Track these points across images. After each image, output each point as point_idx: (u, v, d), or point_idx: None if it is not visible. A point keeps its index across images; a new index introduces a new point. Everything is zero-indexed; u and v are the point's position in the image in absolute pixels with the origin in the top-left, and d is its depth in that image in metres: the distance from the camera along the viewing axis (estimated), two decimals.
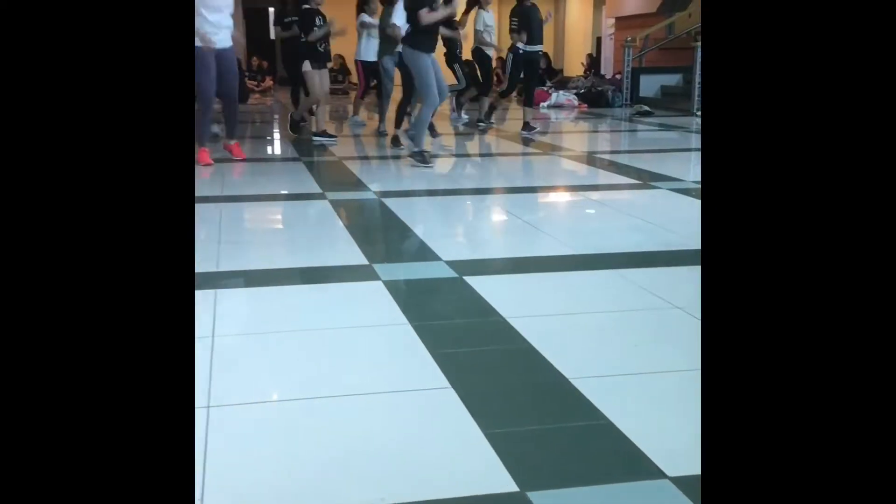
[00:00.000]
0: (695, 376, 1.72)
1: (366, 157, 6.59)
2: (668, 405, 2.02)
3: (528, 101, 8.54)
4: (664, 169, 6.10)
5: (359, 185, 5.50)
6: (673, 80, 12.75)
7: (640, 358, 2.34)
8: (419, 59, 5.98)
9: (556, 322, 2.68)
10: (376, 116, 8.93)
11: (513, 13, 8.16)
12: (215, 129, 7.03)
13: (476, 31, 8.74)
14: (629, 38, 12.69)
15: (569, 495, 1.62)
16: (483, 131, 8.80)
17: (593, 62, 16.88)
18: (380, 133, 8.25)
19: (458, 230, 4.45)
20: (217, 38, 5.91)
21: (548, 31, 17.12)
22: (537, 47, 8.20)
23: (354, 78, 15.21)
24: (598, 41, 17.76)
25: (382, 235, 4.25)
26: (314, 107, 7.81)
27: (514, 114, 9.86)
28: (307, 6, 7.46)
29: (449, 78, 7.99)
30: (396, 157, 6.71)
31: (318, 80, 7.47)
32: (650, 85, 12.74)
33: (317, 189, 5.37)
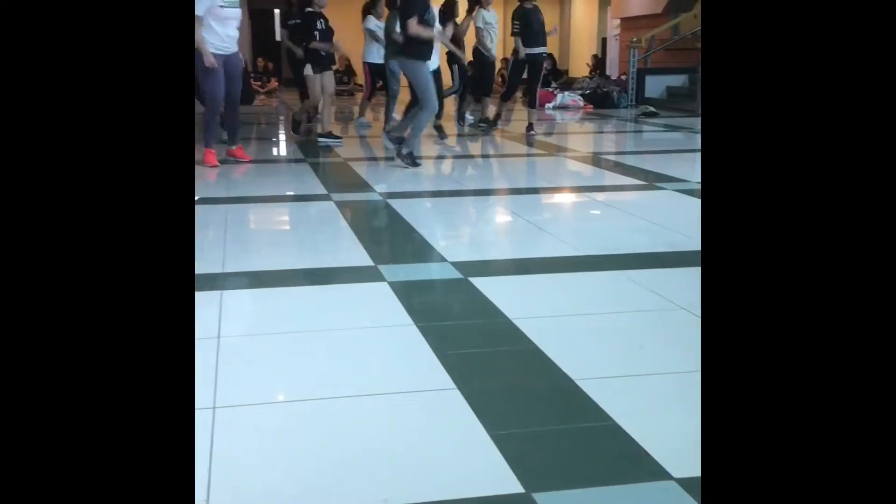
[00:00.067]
0: (700, 377, 1.72)
1: (371, 159, 6.59)
2: (673, 406, 2.02)
3: (532, 102, 8.53)
4: (669, 170, 6.09)
5: (364, 186, 5.51)
6: (678, 80, 12.73)
7: (645, 359, 2.34)
8: (416, 68, 6.02)
9: (562, 323, 2.68)
10: (382, 118, 8.93)
11: (514, 16, 8.14)
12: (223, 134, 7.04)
13: (476, 29, 8.74)
14: (634, 39, 12.68)
15: (574, 496, 1.62)
16: (485, 132, 8.80)
17: (598, 63, 16.87)
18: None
19: (463, 231, 4.45)
20: (223, 46, 5.95)
21: None
22: (539, 49, 8.18)
23: (360, 79, 15.26)
24: (604, 42, 17.74)
25: (388, 237, 4.26)
26: (321, 109, 7.83)
27: (519, 115, 9.86)
28: (309, 9, 7.48)
29: (446, 80, 8.02)
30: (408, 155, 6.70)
31: (319, 83, 7.51)
32: (655, 86, 12.72)
33: (322, 190, 5.37)
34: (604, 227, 4.34)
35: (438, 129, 7.84)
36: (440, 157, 7.29)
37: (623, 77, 13.48)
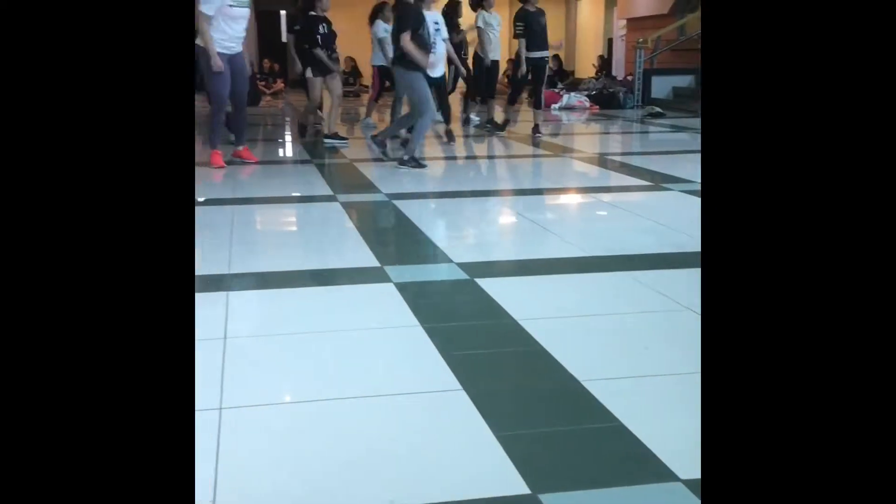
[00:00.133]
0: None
1: (377, 160, 6.59)
2: (679, 407, 2.01)
3: (537, 103, 8.51)
4: (676, 170, 6.08)
5: (370, 187, 5.51)
6: (685, 81, 12.71)
7: (651, 360, 2.34)
8: (412, 79, 6.10)
9: (568, 324, 2.68)
10: (388, 119, 8.94)
11: (517, 17, 8.13)
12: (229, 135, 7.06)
13: (477, 29, 8.74)
14: (641, 40, 12.66)
15: (580, 497, 1.62)
16: (490, 132, 8.80)
17: (605, 64, 16.85)
18: (394, 136, 8.26)
19: (468, 232, 4.45)
20: (229, 45, 5.96)
21: (559, 32, 17.13)
22: (542, 53, 8.16)
23: (365, 80, 15.30)
24: (610, 42, 17.72)
25: (394, 237, 4.26)
26: (328, 110, 7.88)
27: (525, 115, 9.85)
28: (313, 13, 7.51)
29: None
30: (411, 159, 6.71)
31: (319, 87, 7.59)
32: (662, 86, 12.70)
33: (328, 191, 5.38)
34: (610, 228, 4.33)
35: (448, 133, 7.84)
36: (446, 159, 7.29)
37: (629, 78, 13.45)
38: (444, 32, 7.33)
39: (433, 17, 7.12)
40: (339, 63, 7.83)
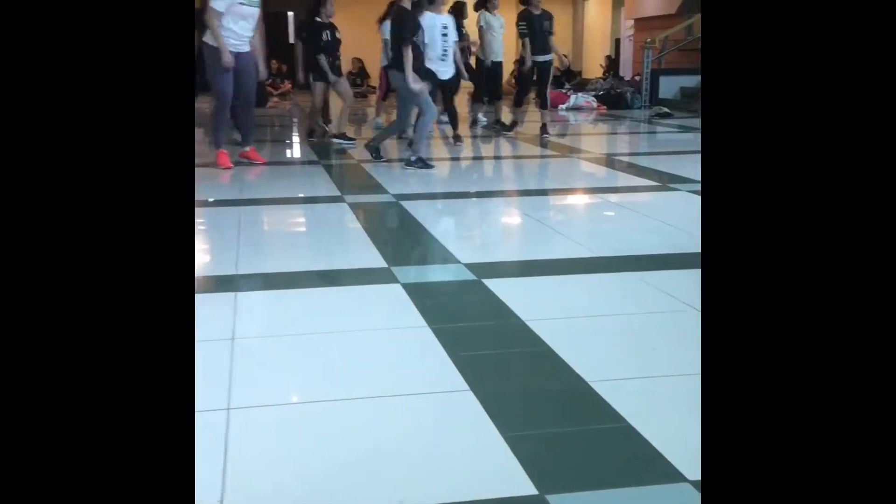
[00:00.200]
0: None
1: (385, 160, 6.60)
2: (687, 408, 2.01)
3: (543, 104, 8.49)
4: (683, 171, 6.06)
5: (377, 188, 5.52)
6: (692, 81, 12.68)
7: (658, 360, 2.33)
8: (405, 81, 6.11)
9: (575, 324, 2.68)
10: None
11: (519, 17, 8.11)
12: (236, 135, 7.08)
13: (479, 29, 8.73)
14: (648, 40, 12.65)
15: (587, 498, 1.62)
16: (498, 133, 8.80)
17: (612, 64, 16.84)
18: (400, 136, 8.27)
19: (476, 233, 4.45)
20: (236, 44, 5.97)
21: (566, 33, 17.12)
22: (545, 56, 8.14)
23: (373, 81, 15.31)
24: (617, 43, 17.71)
25: (401, 238, 4.26)
26: (339, 111, 7.96)
27: (532, 116, 9.85)
28: (318, 19, 7.55)
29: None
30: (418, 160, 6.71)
31: (321, 91, 7.77)
32: (669, 86, 12.67)
33: (335, 192, 5.39)
34: (617, 229, 4.33)
35: (457, 137, 7.84)
36: (453, 159, 7.29)
37: (637, 78, 13.44)
38: (455, 35, 7.34)
39: (442, 19, 7.13)
40: (339, 71, 7.88)
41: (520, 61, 8.39)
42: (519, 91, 8.73)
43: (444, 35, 7.11)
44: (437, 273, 3.42)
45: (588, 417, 1.97)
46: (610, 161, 7.26)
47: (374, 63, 9.03)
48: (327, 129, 8.43)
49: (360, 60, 16.34)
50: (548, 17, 8.05)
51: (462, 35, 8.44)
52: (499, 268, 3.42)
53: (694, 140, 8.74)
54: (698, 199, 4.98)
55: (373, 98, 12.26)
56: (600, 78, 15.22)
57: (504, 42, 9.07)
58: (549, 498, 1.61)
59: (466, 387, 2.13)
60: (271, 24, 7.15)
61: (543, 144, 8.04)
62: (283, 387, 2.19)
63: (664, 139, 9.20)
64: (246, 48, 6.11)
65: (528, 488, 1.64)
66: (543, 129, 8.41)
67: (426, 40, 6.99)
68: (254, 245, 3.87)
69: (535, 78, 8.26)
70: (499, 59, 8.95)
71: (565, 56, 9.34)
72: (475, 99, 9.62)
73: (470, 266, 3.35)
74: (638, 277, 3.20)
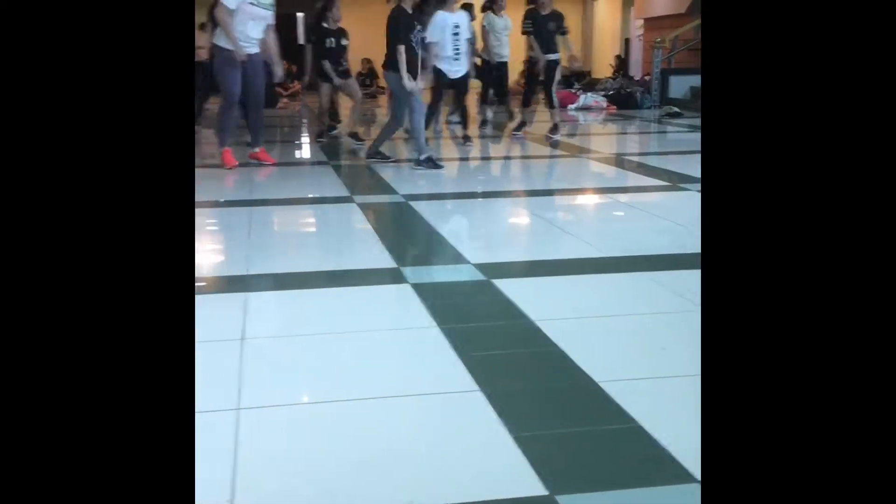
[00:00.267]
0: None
1: (394, 161, 6.60)
2: (697, 409, 2.00)
3: (550, 104, 8.45)
4: (693, 170, 6.04)
5: (387, 188, 5.52)
6: None
7: (668, 361, 2.33)
8: (398, 80, 6.14)
9: (585, 325, 2.67)
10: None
11: (526, 15, 8.10)
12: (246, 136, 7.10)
13: (482, 30, 8.72)
14: (658, 39, 12.60)
15: (597, 499, 1.62)
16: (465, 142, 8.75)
17: (622, 63, 16.79)
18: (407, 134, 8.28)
19: (485, 233, 4.45)
20: (244, 45, 6.00)
21: (576, 32, 17.09)
22: (552, 56, 8.13)
23: (382, 82, 15.31)
24: (627, 42, 17.66)
25: (410, 239, 4.26)
26: (350, 112, 8.02)
27: (541, 116, 9.83)
28: (325, 25, 7.60)
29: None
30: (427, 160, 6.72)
31: (327, 93, 7.89)
32: (679, 86, 12.62)
33: (345, 193, 5.39)
34: (627, 229, 4.32)
35: (466, 138, 7.83)
36: (463, 160, 7.29)
37: (646, 78, 13.40)
38: (468, 33, 7.34)
39: (454, 18, 7.13)
40: (347, 74, 7.94)
41: (528, 61, 8.38)
42: (527, 91, 8.72)
43: (456, 34, 7.11)
44: (446, 273, 3.42)
45: (598, 418, 1.97)
46: (620, 161, 7.25)
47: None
48: (337, 127, 8.47)
49: (369, 61, 16.35)
50: (555, 17, 7.98)
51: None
52: (508, 268, 3.42)
53: None
54: None
55: (382, 99, 12.26)
56: (610, 78, 15.18)
57: (511, 43, 9.05)
58: (559, 498, 1.61)
59: (476, 387, 2.13)
60: (281, 25, 7.18)
61: (553, 145, 8.02)
62: (294, 387, 2.19)
63: (674, 139, 9.17)
64: (255, 49, 6.13)
65: (537, 489, 1.64)
66: (553, 129, 8.38)
67: (436, 39, 7.01)
68: (264, 245, 3.88)
69: (541, 78, 8.23)
70: (503, 60, 8.94)
71: (574, 58, 9.29)
72: (482, 99, 9.61)
73: (479, 266, 3.35)
74: (648, 277, 3.19)
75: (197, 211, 4.62)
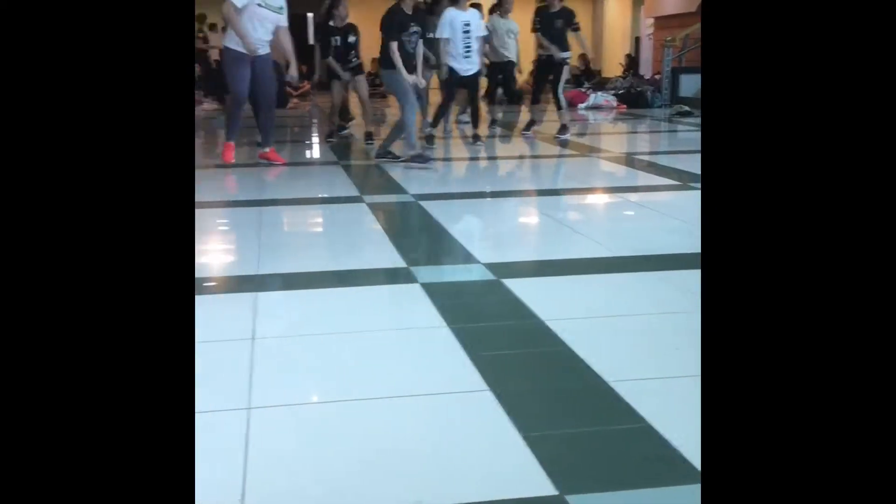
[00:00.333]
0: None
1: (404, 160, 6.60)
2: None
3: (557, 103, 8.40)
4: None
5: (396, 188, 5.53)
6: None
7: (679, 360, 2.32)
8: (396, 80, 6.18)
9: (595, 324, 2.67)
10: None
11: (535, 13, 8.09)
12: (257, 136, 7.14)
13: (487, 29, 8.72)
14: (668, 38, 12.57)
15: (607, 499, 1.62)
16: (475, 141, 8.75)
17: (632, 62, 16.76)
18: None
19: (495, 232, 4.44)
20: (259, 45, 6.03)
21: (586, 31, 17.07)
22: (563, 54, 8.11)
23: None
24: (637, 41, 17.63)
25: (420, 238, 4.27)
26: (361, 114, 8.08)
27: (551, 115, 9.82)
28: (331, 23, 7.63)
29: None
30: (434, 159, 6.73)
31: (339, 90, 7.90)
32: (690, 85, 12.57)
33: (355, 192, 5.40)
34: (637, 228, 4.31)
35: (476, 137, 7.82)
36: (472, 159, 7.29)
37: (657, 76, 13.37)
38: (479, 31, 7.34)
39: (464, 16, 7.13)
40: (360, 69, 7.94)
41: (537, 60, 8.36)
42: (535, 89, 8.71)
43: (466, 32, 7.11)
44: (456, 273, 3.42)
45: (608, 417, 1.96)
46: (630, 160, 7.23)
47: None
48: (347, 126, 8.49)
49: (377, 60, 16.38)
50: (563, 15, 7.94)
51: None
52: (518, 267, 3.42)
53: None
54: None
55: (392, 99, 12.26)
56: (620, 76, 15.15)
57: (521, 44, 9.03)
58: (569, 498, 1.60)
59: (485, 387, 2.13)
60: (292, 25, 7.19)
61: (563, 144, 8.00)
62: (303, 386, 2.20)
63: (684, 138, 9.14)
64: (264, 50, 6.15)
65: (547, 489, 1.64)
66: (561, 129, 8.34)
67: (447, 35, 7.01)
68: (274, 245, 3.89)
69: (550, 77, 8.22)
70: (508, 60, 8.92)
71: (583, 56, 9.28)
72: (490, 100, 9.61)
73: (489, 266, 3.35)
74: (658, 277, 3.19)
75: (208, 211, 4.64)
